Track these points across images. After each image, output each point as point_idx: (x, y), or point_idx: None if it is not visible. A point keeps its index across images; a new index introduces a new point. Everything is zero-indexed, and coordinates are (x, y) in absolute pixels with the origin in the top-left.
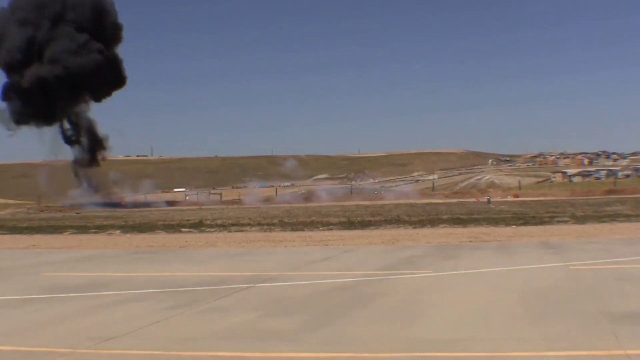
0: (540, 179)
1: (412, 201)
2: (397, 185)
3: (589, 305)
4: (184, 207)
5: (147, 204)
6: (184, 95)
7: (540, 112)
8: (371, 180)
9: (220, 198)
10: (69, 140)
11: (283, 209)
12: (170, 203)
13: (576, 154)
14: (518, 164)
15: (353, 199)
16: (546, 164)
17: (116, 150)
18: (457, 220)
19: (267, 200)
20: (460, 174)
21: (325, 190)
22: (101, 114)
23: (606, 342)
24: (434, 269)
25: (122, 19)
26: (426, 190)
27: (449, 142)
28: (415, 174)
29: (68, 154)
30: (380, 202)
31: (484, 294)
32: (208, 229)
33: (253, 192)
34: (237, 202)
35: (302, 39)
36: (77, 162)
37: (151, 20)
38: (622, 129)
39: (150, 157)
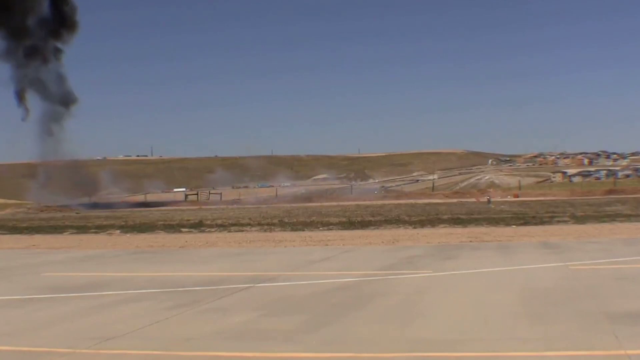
0: (540, 179)
1: (413, 201)
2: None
3: (589, 306)
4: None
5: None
6: (184, 95)
7: (540, 112)
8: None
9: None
10: (19, 97)
11: (283, 208)
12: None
13: (576, 154)
14: (518, 164)
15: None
16: (546, 164)
17: (116, 150)
18: (457, 220)
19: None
20: (460, 174)
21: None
22: (101, 112)
23: (606, 342)
24: (434, 269)
25: (121, 18)
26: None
27: (449, 142)
28: (415, 174)
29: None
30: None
31: (484, 294)
32: (208, 229)
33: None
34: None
35: (302, 39)
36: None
37: (151, 20)
38: (622, 129)
39: (150, 157)
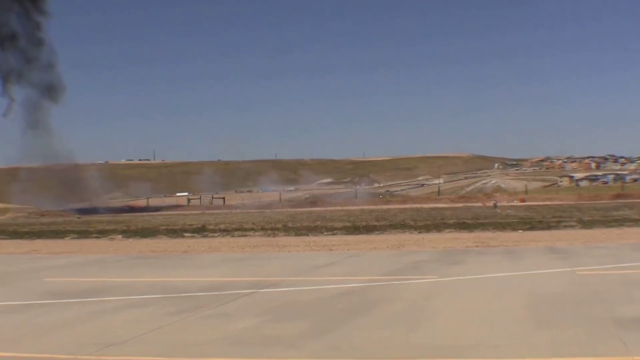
0: (547, 183)
1: (418, 205)
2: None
3: (596, 311)
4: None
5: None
6: (187, 98)
7: (547, 116)
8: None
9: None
10: (3, 85)
11: (287, 213)
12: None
13: (583, 158)
14: (524, 168)
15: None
16: (553, 168)
17: (118, 154)
18: (463, 225)
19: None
20: (466, 178)
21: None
22: (103, 116)
23: (614, 348)
24: (440, 274)
25: (125, 20)
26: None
27: (455, 145)
28: (420, 178)
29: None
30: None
31: (490, 300)
32: (211, 234)
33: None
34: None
35: (307, 42)
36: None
37: (153, 22)
38: (630, 132)
39: (152, 161)
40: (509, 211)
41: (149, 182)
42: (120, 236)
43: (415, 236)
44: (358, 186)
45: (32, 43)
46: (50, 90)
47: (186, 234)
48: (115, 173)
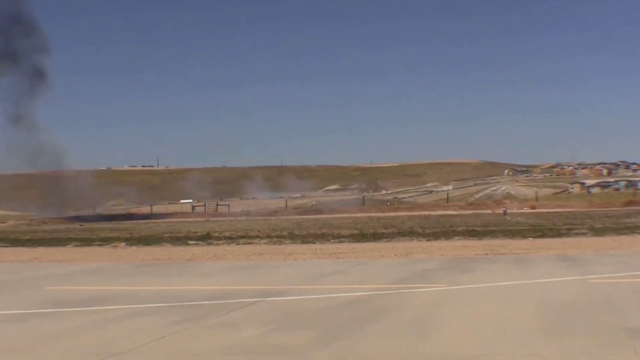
0: (557, 190)
1: (427, 212)
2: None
3: (608, 320)
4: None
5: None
6: (191, 104)
7: (557, 121)
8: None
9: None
10: None
11: (293, 220)
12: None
13: (594, 165)
14: (535, 175)
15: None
16: (564, 174)
17: (121, 161)
18: (472, 233)
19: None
20: (475, 184)
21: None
22: (106, 122)
23: (626, 358)
24: (449, 282)
25: (127, 25)
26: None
27: (464, 152)
28: (429, 184)
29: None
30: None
31: (500, 309)
32: (216, 242)
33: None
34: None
35: (313, 46)
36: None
37: (156, 27)
38: None
39: (156, 168)
40: (519, 218)
41: (152, 189)
42: (123, 244)
43: (424, 244)
44: (365, 193)
45: (17, 27)
46: (34, 78)
47: (190, 242)
48: (117, 179)
